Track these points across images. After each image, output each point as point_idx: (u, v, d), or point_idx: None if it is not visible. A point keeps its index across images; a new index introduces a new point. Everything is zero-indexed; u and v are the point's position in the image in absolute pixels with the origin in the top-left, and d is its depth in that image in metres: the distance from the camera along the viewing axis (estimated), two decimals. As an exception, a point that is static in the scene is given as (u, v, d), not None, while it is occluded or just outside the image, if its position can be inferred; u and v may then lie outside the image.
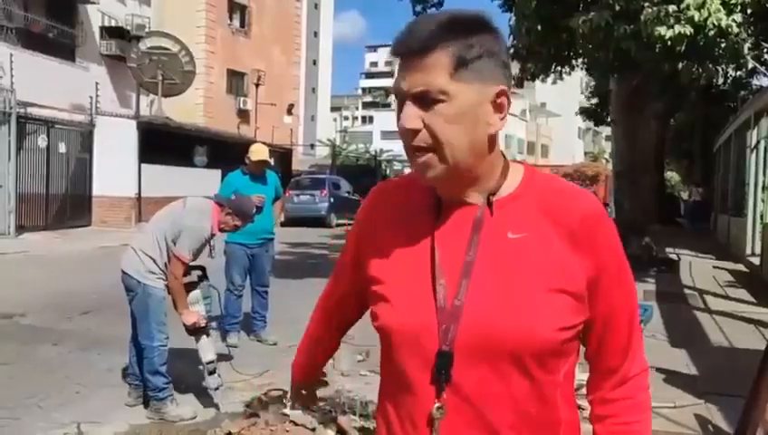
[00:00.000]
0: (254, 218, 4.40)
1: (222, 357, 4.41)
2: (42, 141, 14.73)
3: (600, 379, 1.06)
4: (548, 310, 0.94)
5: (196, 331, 3.98)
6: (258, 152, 5.66)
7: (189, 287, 3.98)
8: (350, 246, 1.17)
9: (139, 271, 3.85)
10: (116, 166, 15.78)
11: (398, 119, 0.97)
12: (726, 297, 8.09)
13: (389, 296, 1.02)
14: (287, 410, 3.85)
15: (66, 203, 15.64)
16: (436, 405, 0.95)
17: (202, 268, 4.17)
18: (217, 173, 15.68)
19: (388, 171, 33.82)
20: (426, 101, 0.93)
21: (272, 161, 6.11)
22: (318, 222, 18.80)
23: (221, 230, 4.15)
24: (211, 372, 4.02)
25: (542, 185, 1.02)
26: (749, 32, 8.52)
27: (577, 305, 0.96)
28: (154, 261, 3.86)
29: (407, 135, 0.95)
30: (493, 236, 0.98)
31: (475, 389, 0.95)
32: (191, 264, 4.05)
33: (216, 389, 4.05)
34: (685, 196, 30.81)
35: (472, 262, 0.97)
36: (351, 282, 1.17)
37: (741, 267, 10.74)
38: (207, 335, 4.07)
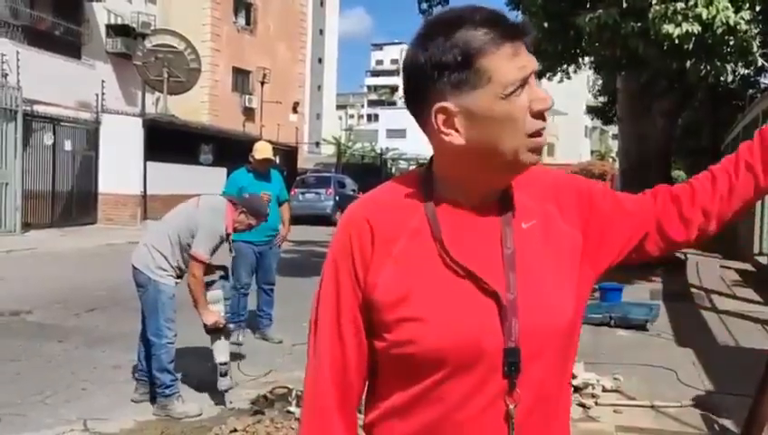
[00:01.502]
0: (267, 217, 4.44)
1: (232, 356, 4.40)
2: (48, 139, 14.77)
3: (679, 213, 1.07)
4: (577, 287, 0.99)
5: (214, 331, 3.98)
6: (262, 150, 5.67)
7: (209, 286, 3.99)
8: (347, 293, 0.98)
9: (149, 267, 3.86)
10: (121, 163, 15.81)
11: (506, 101, 0.90)
12: (733, 297, 8.05)
13: (424, 315, 0.92)
14: (292, 408, 3.86)
15: (72, 200, 15.69)
16: (511, 405, 0.92)
17: (224, 268, 4.17)
18: (223, 171, 15.70)
19: (393, 169, 33.80)
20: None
21: (277, 160, 6.11)
22: (323, 220, 18.81)
23: (235, 230, 4.15)
24: (223, 374, 4.01)
25: None
26: (758, 29, 8.46)
27: (582, 274, 1.00)
28: (165, 258, 3.88)
29: (545, 115, 0.94)
30: (512, 229, 0.98)
31: (539, 382, 0.94)
32: (214, 263, 4.06)
33: (227, 391, 4.05)
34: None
35: (512, 254, 0.95)
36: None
37: (748, 267, 10.69)
38: (226, 337, 4.07)
